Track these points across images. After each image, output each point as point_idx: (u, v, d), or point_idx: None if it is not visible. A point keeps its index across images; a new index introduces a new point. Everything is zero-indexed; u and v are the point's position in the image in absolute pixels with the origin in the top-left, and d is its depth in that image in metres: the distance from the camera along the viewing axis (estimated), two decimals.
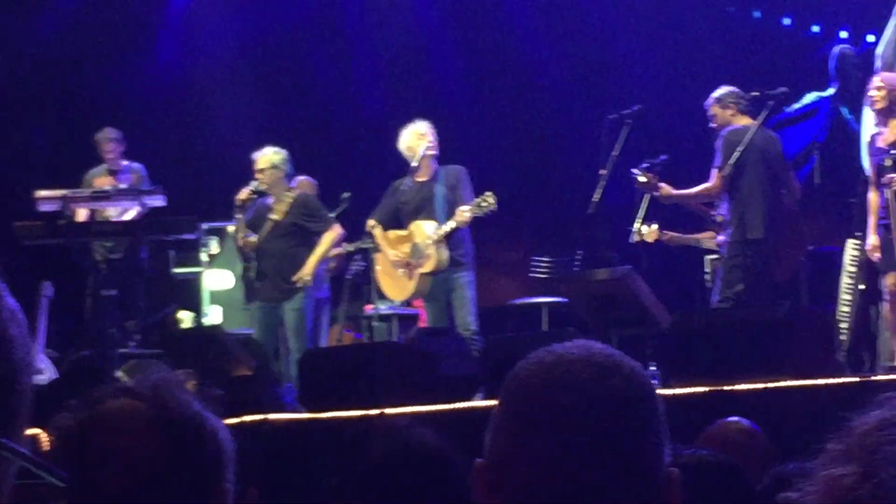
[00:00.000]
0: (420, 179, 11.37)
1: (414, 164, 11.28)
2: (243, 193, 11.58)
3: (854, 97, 11.73)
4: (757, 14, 15.52)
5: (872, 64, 11.39)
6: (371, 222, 11.47)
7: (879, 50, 11.34)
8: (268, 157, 11.58)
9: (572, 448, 1.81)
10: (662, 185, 10.95)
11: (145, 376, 2.21)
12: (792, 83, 11.65)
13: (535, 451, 1.83)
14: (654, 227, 11.49)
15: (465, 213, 11.00)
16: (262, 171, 11.55)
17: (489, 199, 11.00)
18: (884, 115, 10.27)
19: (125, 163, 13.34)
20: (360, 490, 3.21)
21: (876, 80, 10.42)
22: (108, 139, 13.30)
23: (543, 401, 1.85)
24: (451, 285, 11.18)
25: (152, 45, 16.19)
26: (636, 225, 11.41)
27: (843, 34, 14.91)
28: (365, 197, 12.53)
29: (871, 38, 13.91)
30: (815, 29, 15.26)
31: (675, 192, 11.01)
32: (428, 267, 11.19)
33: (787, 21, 15.43)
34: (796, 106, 12.26)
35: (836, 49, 12.53)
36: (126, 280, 12.74)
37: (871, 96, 10.33)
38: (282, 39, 16.27)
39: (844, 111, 11.94)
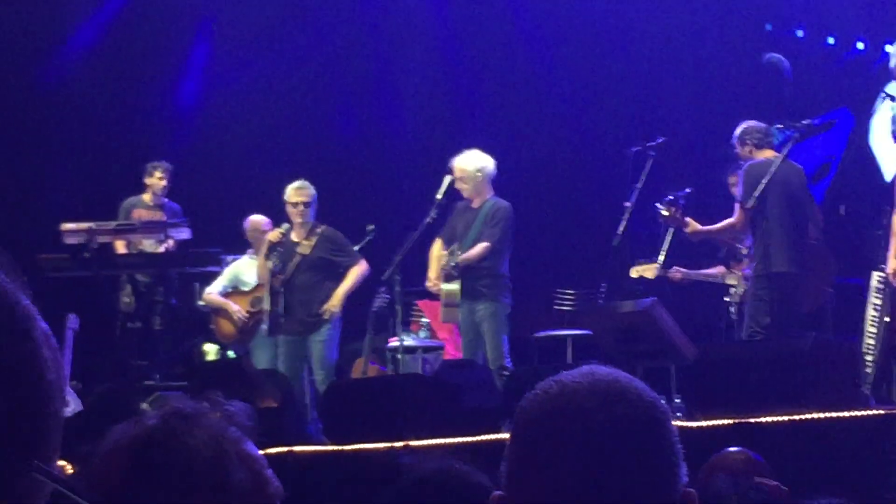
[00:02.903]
0: (473, 206, 11.42)
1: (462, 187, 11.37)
2: (274, 234, 11.72)
3: None
4: (768, 27, 15.47)
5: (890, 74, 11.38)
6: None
7: None
8: (308, 190, 11.73)
9: (582, 477, 1.81)
10: (689, 221, 10.94)
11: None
12: (811, 95, 11.63)
13: (544, 482, 1.83)
14: (655, 264, 11.48)
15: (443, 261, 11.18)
16: (306, 205, 11.66)
17: (455, 253, 11.17)
18: None
19: (166, 200, 13.42)
20: None
21: None
22: (162, 172, 13.37)
23: (549, 432, 1.86)
24: (476, 317, 11.18)
25: (176, 81, 16.26)
26: (639, 265, 11.47)
27: (860, 45, 14.90)
28: (386, 229, 12.56)
29: (889, 49, 13.92)
30: (831, 41, 15.23)
31: (700, 228, 11.00)
32: (442, 299, 11.28)
33: (800, 33, 15.39)
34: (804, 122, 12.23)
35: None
36: (152, 312, 12.78)
37: None
38: (304, 72, 16.31)
39: None
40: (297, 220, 11.69)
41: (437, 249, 11.46)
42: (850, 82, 14.77)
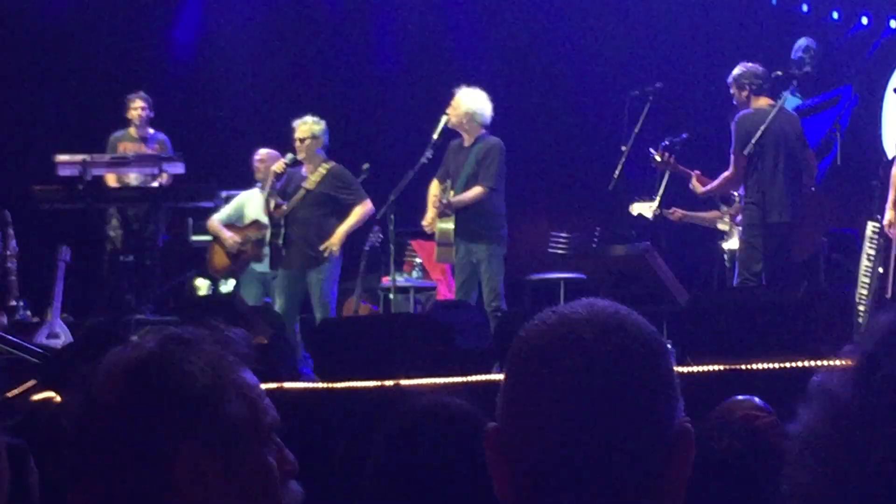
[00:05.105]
0: (465, 144, 11.38)
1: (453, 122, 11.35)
2: (278, 165, 11.70)
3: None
4: (773, 2, 15.44)
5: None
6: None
7: None
8: (308, 126, 11.66)
9: (579, 408, 1.79)
10: (693, 178, 10.99)
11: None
12: (815, 70, 11.59)
13: (541, 412, 1.81)
14: (653, 203, 11.47)
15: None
16: (301, 140, 11.62)
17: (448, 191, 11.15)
18: None
19: (152, 131, 13.39)
20: (391, 452, 3.21)
21: None
22: (140, 102, 13.33)
23: (547, 361, 1.83)
24: (475, 258, 11.15)
25: (174, 14, 16.17)
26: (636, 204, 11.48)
27: (864, 20, 14.84)
28: (384, 168, 12.54)
29: (894, 24, 13.87)
30: (835, 15, 15.17)
31: (701, 188, 11.04)
32: (437, 236, 11.25)
33: (805, 7, 15.34)
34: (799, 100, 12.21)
35: None
36: (143, 246, 12.77)
37: None
38: (302, 10, 16.23)
39: None
40: (299, 155, 11.66)
41: (434, 189, 11.42)
42: (854, 57, 14.72)
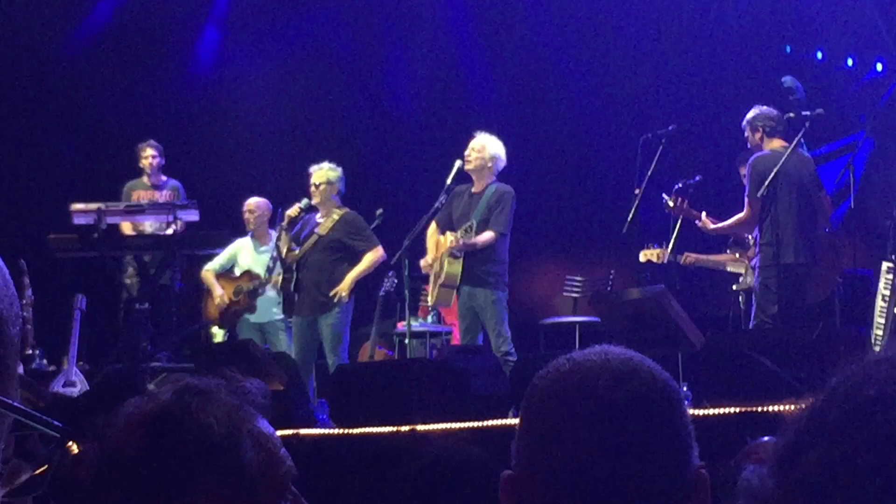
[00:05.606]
0: (474, 190, 11.39)
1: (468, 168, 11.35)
2: (293, 210, 11.74)
3: None
4: (788, 49, 15.48)
5: None
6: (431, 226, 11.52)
7: None
8: (324, 172, 11.73)
9: (593, 455, 1.80)
10: (702, 216, 10.97)
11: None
12: (830, 117, 11.59)
13: (556, 460, 1.82)
14: (664, 249, 11.47)
15: (451, 240, 11.14)
16: (317, 185, 11.68)
17: (470, 231, 11.12)
18: None
19: (164, 178, 13.48)
20: (407, 498, 3.21)
21: None
22: (150, 150, 13.43)
23: (561, 410, 1.84)
24: (476, 303, 11.14)
25: (188, 61, 16.25)
26: (647, 250, 11.48)
27: (879, 67, 14.87)
28: (395, 213, 12.56)
29: None
30: (850, 62, 15.20)
31: (712, 225, 11.02)
32: (440, 279, 11.23)
33: (819, 55, 15.38)
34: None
35: None
36: (159, 294, 12.80)
37: None
38: (316, 56, 16.29)
39: None
40: (314, 200, 11.73)
41: (432, 231, 11.45)
42: (869, 104, 14.73)
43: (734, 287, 11.99)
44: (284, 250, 11.81)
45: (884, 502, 1.34)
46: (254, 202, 12.86)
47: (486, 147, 11.33)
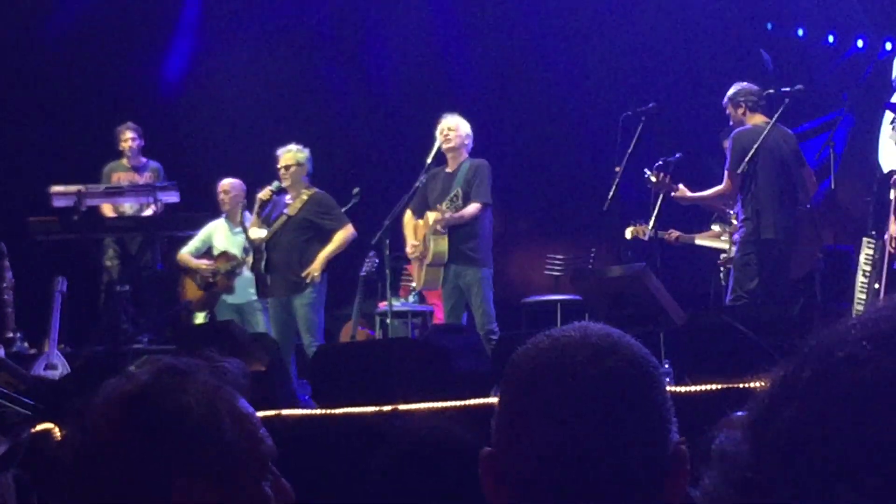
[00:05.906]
0: (448, 170, 11.39)
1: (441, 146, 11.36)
2: (265, 193, 11.71)
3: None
4: (769, 26, 15.47)
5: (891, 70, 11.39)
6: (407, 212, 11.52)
7: None
8: (292, 154, 11.72)
9: (572, 431, 1.79)
10: (679, 186, 10.96)
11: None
12: (811, 94, 11.61)
13: (535, 436, 1.82)
14: (647, 225, 11.48)
15: (435, 216, 11.14)
16: (286, 168, 11.67)
17: (457, 200, 11.13)
18: None
19: (144, 159, 13.45)
20: (388, 477, 3.21)
21: None
22: (129, 133, 13.39)
23: (540, 386, 1.84)
24: (463, 281, 11.15)
25: (167, 43, 16.20)
26: (632, 227, 11.50)
27: (860, 43, 14.87)
28: (375, 193, 12.54)
29: (889, 46, 13.87)
30: (830, 39, 15.20)
31: (689, 194, 11.02)
32: (427, 258, 11.22)
33: (800, 32, 15.37)
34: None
35: None
36: (139, 276, 12.77)
37: None
38: (294, 36, 16.25)
39: None
40: (284, 182, 11.73)
41: (408, 218, 11.47)
42: (850, 81, 14.73)
43: (719, 259, 11.99)
44: (252, 233, 11.83)
45: (854, 459, 1.34)
46: (227, 183, 12.83)
47: (460, 126, 11.40)
